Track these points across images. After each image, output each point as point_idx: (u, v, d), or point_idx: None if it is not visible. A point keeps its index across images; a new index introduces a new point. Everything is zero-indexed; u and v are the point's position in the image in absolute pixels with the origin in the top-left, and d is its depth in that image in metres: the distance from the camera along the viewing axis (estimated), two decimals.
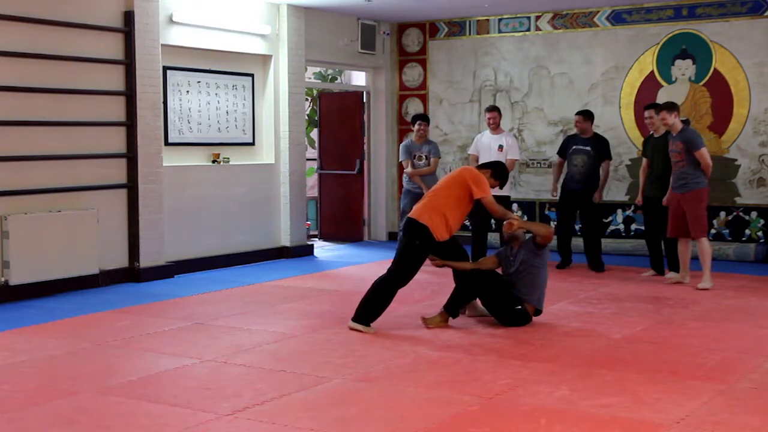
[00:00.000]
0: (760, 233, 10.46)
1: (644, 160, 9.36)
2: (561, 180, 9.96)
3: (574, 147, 9.74)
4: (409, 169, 10.05)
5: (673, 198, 8.63)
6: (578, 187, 9.66)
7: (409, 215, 6.85)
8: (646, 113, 9.27)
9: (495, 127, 9.92)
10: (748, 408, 4.78)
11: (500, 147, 9.71)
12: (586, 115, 9.83)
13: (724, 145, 10.50)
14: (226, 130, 10.41)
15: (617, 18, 11.07)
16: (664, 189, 8.89)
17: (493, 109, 10.05)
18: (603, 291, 8.38)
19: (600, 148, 9.70)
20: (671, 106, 8.54)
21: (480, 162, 9.83)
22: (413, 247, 6.71)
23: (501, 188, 7.49)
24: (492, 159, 9.72)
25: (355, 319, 6.68)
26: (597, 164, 9.66)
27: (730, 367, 5.63)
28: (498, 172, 7.10)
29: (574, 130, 10.06)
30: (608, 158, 9.77)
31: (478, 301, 7.08)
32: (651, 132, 9.31)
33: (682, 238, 8.68)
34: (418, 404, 4.86)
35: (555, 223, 10.70)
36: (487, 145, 9.80)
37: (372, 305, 6.69)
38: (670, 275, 9.00)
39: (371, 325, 6.66)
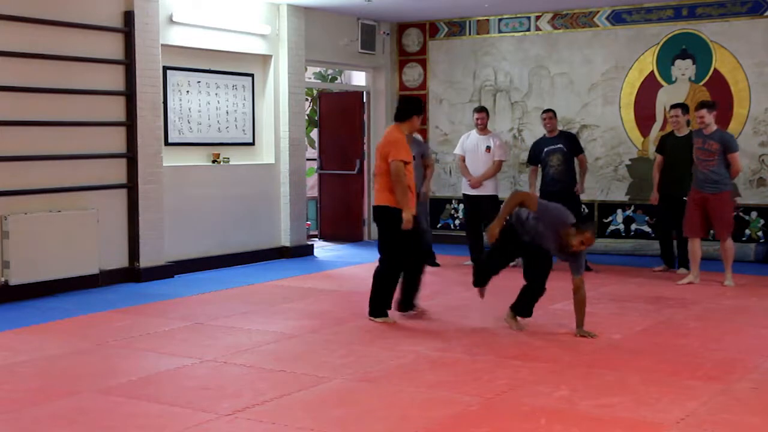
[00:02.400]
0: (760, 233, 10.45)
1: (658, 156, 9.37)
2: (537, 186, 9.83)
3: (546, 149, 9.69)
4: None
5: (698, 197, 8.56)
6: (559, 187, 9.53)
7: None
8: (672, 112, 9.34)
9: (483, 128, 9.86)
10: (748, 408, 4.79)
11: (488, 148, 9.69)
12: (554, 113, 9.82)
13: None
14: (226, 130, 10.41)
15: (617, 18, 11.06)
16: (687, 187, 8.85)
17: (482, 110, 9.99)
18: (603, 291, 8.38)
19: (571, 143, 9.71)
20: (712, 105, 8.56)
21: (467, 163, 9.81)
22: (382, 231, 6.98)
23: (418, 117, 7.09)
24: (479, 160, 9.74)
25: (370, 314, 6.91)
26: (571, 160, 9.67)
27: (730, 367, 5.63)
28: (402, 112, 6.98)
29: (574, 130, 10.06)
30: (581, 152, 9.79)
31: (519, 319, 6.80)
32: (671, 130, 9.36)
33: (695, 239, 8.66)
34: (418, 404, 4.86)
35: None
36: (474, 146, 9.76)
37: (377, 297, 6.90)
38: (682, 272, 9.03)
39: (388, 314, 6.90)
